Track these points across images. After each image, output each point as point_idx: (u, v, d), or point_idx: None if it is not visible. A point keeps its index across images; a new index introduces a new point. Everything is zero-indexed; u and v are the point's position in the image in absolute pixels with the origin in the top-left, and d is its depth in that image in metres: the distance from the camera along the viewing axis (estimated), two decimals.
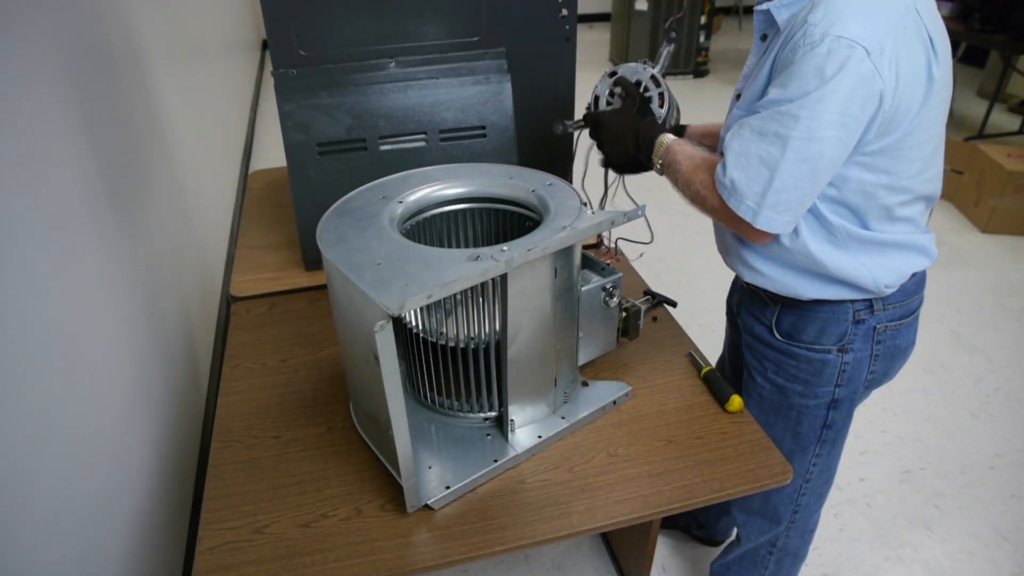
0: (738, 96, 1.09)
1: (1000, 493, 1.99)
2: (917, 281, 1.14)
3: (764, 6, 1.01)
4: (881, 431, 2.21)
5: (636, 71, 1.23)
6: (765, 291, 1.16)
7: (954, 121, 4.72)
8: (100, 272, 1.27)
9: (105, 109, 1.46)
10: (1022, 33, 3.80)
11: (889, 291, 1.10)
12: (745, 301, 1.26)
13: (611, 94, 1.24)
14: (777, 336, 1.18)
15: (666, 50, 1.26)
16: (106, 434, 1.17)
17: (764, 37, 1.05)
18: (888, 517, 1.92)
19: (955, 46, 5.58)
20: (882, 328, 1.13)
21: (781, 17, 0.99)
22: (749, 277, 1.16)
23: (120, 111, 1.58)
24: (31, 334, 0.96)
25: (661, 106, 1.20)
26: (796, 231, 1.05)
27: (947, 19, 4.21)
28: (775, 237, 1.05)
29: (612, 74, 1.25)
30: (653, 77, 1.21)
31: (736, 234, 1.09)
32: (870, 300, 1.11)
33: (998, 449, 2.13)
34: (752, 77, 1.05)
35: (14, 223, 0.95)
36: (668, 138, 1.12)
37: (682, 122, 1.30)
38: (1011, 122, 4.61)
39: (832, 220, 1.03)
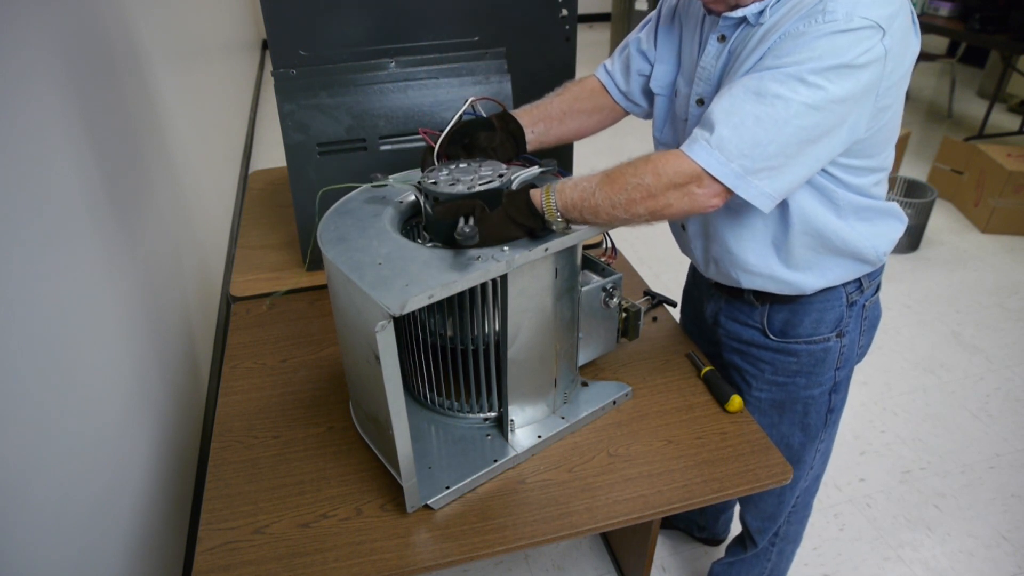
0: (699, 101, 1.04)
1: (1000, 493, 1.99)
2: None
3: (740, 12, 0.93)
4: (881, 431, 2.21)
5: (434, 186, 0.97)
6: (753, 291, 1.14)
7: (954, 121, 4.73)
8: (100, 272, 1.27)
9: (105, 109, 1.46)
10: (1022, 33, 3.80)
11: (885, 259, 1.10)
12: (724, 308, 1.21)
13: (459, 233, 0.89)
14: (771, 337, 1.16)
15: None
16: (106, 434, 1.17)
17: (722, 38, 0.98)
18: (888, 517, 1.92)
19: (955, 46, 5.62)
20: (868, 304, 1.15)
21: (772, 17, 0.91)
22: (748, 283, 1.11)
23: (120, 111, 1.59)
24: (31, 334, 0.96)
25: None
26: (800, 206, 1.00)
27: (947, 19, 4.21)
28: (718, 205, 0.91)
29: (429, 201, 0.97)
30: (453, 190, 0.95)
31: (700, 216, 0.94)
32: (859, 279, 1.11)
33: (998, 449, 2.13)
34: (729, 76, 0.98)
35: (14, 223, 0.95)
36: (552, 185, 0.95)
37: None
38: (1011, 122, 4.60)
39: (835, 190, 1.00)
